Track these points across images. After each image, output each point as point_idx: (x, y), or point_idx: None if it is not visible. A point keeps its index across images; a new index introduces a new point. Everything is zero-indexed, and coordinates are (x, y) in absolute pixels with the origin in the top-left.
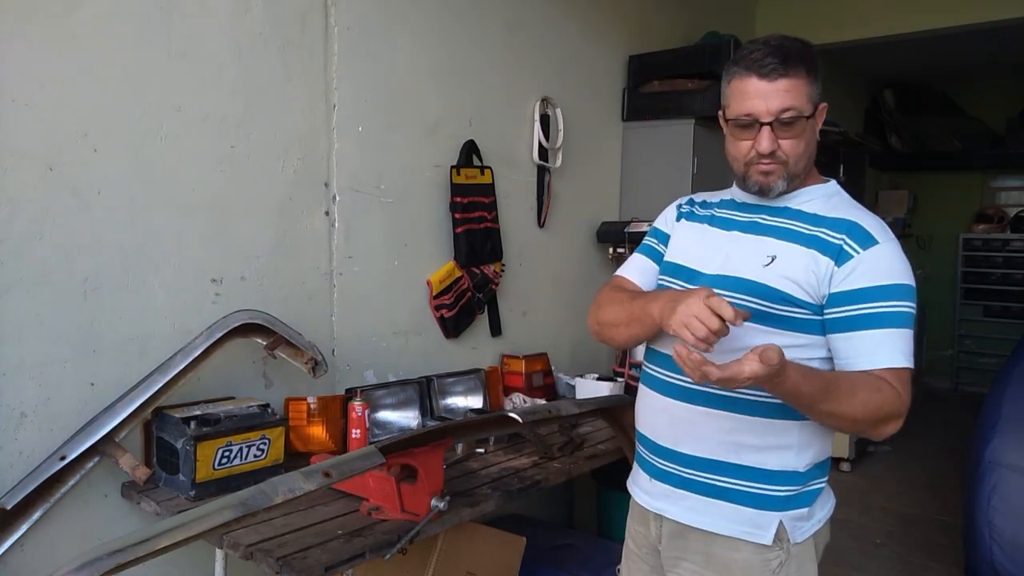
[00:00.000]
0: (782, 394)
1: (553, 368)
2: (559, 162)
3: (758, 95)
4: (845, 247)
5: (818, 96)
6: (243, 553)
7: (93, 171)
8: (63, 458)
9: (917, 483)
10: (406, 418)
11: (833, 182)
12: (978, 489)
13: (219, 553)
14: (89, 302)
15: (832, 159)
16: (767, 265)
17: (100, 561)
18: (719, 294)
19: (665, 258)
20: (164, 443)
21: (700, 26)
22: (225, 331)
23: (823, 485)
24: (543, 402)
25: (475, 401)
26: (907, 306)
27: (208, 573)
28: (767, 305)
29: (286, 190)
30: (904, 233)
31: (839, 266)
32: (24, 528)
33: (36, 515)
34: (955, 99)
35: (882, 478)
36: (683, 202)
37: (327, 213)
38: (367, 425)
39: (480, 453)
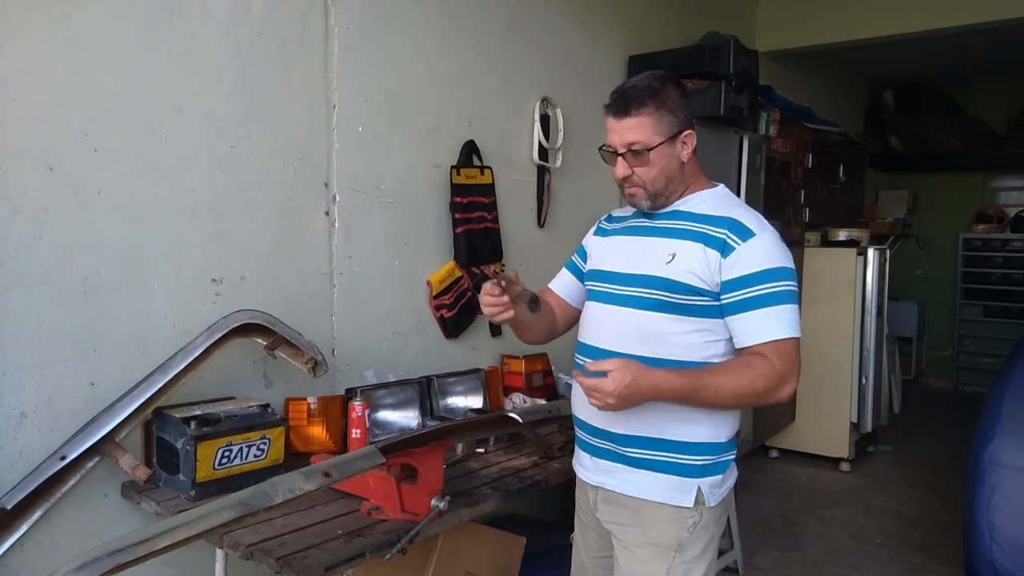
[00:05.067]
0: (663, 394)
1: (553, 368)
2: (559, 162)
3: (612, 130)
4: (728, 241)
5: (678, 125)
6: (243, 553)
7: (93, 171)
8: (63, 458)
9: (917, 483)
10: (406, 418)
11: (721, 186)
12: (978, 489)
13: (219, 553)
14: (89, 302)
15: (832, 159)
16: (669, 263)
17: (100, 561)
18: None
19: (588, 267)
20: (164, 443)
21: (700, 26)
22: (225, 331)
23: (733, 457)
24: (543, 402)
25: (475, 401)
26: (786, 285)
27: (208, 573)
28: (673, 296)
29: (286, 190)
30: (904, 233)
31: (724, 257)
32: (24, 528)
33: (36, 515)
34: (955, 99)
35: (882, 478)
36: (602, 220)
37: (327, 213)
38: (367, 425)
39: (480, 453)
